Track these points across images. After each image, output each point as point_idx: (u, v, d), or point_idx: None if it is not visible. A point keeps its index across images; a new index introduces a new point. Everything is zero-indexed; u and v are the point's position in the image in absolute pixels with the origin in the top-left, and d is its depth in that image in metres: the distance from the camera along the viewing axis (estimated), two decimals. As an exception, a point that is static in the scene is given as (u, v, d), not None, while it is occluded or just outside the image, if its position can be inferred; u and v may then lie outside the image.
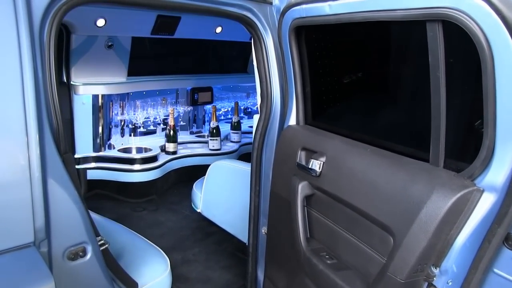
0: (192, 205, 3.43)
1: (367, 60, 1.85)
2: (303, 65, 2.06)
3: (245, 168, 2.98)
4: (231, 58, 5.42)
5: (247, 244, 3.06)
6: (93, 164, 3.96)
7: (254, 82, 5.49)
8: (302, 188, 1.92)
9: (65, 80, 3.74)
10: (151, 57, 4.49)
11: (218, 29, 4.56)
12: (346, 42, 1.95)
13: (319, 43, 2.03)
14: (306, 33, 2.01)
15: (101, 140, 4.01)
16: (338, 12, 1.68)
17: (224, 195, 3.15)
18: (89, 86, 3.77)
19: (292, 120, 2.16)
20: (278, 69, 2.25)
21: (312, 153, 1.91)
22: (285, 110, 2.20)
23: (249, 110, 5.69)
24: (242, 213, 3.02)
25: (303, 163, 1.95)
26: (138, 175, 3.97)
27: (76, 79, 3.75)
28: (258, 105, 2.37)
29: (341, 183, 1.73)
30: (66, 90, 3.73)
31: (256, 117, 2.39)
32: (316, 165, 1.84)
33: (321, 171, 1.83)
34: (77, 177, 1.80)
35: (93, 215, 3.28)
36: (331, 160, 1.80)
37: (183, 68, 4.72)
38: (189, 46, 4.75)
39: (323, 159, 1.83)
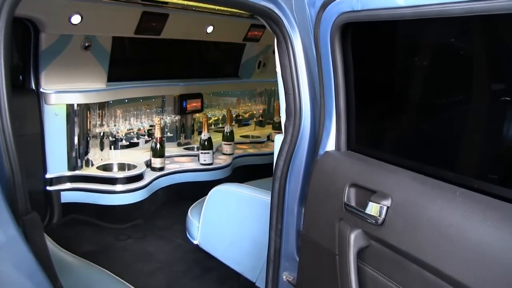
0: (187, 235, 2.91)
1: (453, 70, 1.38)
2: (348, 73, 1.59)
3: (254, 195, 2.49)
4: (222, 62, 4.92)
5: (255, 283, 2.59)
6: (68, 185, 3.40)
7: (247, 87, 5.03)
8: (355, 239, 1.44)
9: (33, 87, 3.17)
10: (134, 60, 3.96)
11: (209, 29, 4.07)
12: (421, 45, 1.48)
13: (378, 46, 1.57)
14: (357, 32, 1.54)
15: (77, 156, 3.46)
16: (418, 3, 1.21)
17: (227, 226, 2.66)
18: (62, 94, 3.22)
19: (330, 145, 1.69)
20: (308, 77, 1.77)
21: (367, 192, 1.44)
22: (319, 130, 1.73)
23: (241, 117, 5.20)
24: (251, 247, 2.54)
25: (354, 204, 1.48)
26: (121, 197, 3.43)
27: (47, 86, 3.19)
28: (282, 123, 1.88)
29: (418, 238, 1.26)
30: (34, 99, 3.16)
31: (279, 138, 1.91)
32: (377, 210, 1.37)
33: (384, 219, 1.36)
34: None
35: (67, 256, 2.74)
36: (401, 205, 1.33)
37: (169, 73, 4.20)
38: (176, 48, 4.24)
39: (388, 202, 1.35)
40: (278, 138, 1.91)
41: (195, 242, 2.82)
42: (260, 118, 5.45)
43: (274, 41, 1.82)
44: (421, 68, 1.46)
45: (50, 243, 2.24)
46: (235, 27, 4.30)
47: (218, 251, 2.72)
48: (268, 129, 5.31)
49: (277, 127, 5.10)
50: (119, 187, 3.41)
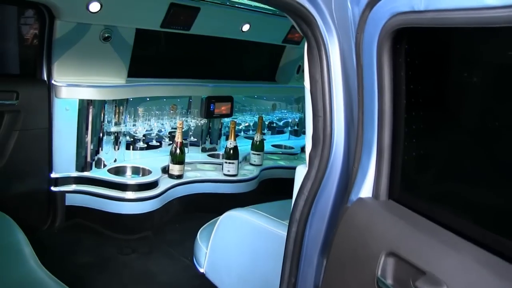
0: (194, 261, 2.54)
1: None
2: (398, 95, 1.16)
3: (271, 228, 2.09)
4: (258, 64, 4.53)
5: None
6: (74, 187, 3.11)
7: (284, 93, 4.62)
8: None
9: (45, 78, 2.89)
10: (160, 56, 3.64)
11: (245, 27, 3.69)
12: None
13: (444, 61, 1.13)
14: (416, 41, 1.11)
15: (87, 156, 3.16)
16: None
17: (238, 258, 2.27)
18: (75, 88, 2.92)
19: (366, 189, 1.26)
20: (344, 96, 1.35)
21: (412, 270, 1.01)
22: (353, 168, 1.30)
23: (274, 125, 4.80)
24: (263, 285, 2.14)
25: (392, 282, 1.05)
26: (130, 206, 3.11)
27: (60, 77, 2.91)
28: (307, 153, 1.47)
29: None
30: (44, 91, 2.88)
31: (301, 171, 1.50)
32: (425, 301, 0.94)
33: (435, 315, 0.93)
34: None
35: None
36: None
37: (198, 72, 3.85)
38: (207, 46, 3.88)
39: (442, 292, 0.92)
40: (300, 171, 1.50)
41: (201, 270, 2.45)
42: (296, 127, 5.02)
43: (304, 47, 1.41)
44: (509, 97, 1.01)
45: (37, 267, 1.94)
46: (274, 27, 3.90)
47: (225, 284, 2.33)
48: (302, 140, 4.88)
49: (312, 139, 4.66)
50: (129, 195, 3.09)
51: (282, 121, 4.79)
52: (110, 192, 3.08)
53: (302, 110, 5.00)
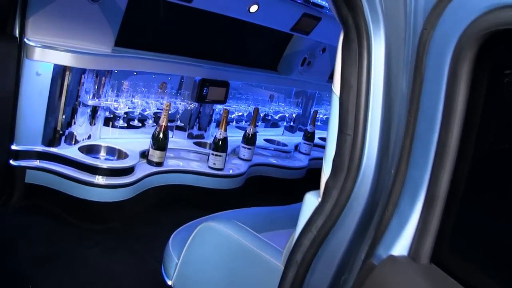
0: (162, 270, 2.19)
1: None
2: (473, 125, 0.82)
3: (258, 251, 1.74)
4: (260, 50, 4.15)
5: None
6: (37, 163, 2.72)
7: (285, 84, 4.26)
8: None
9: (16, 35, 2.49)
10: (154, 27, 3.24)
11: (253, 8, 3.30)
12: None
13: None
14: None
15: (56, 128, 2.78)
16: None
17: (213, 275, 1.92)
18: (51, 50, 2.52)
19: (401, 245, 0.92)
20: (383, 112, 1.00)
21: None
22: (387, 211, 0.96)
23: (269, 117, 4.45)
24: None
25: None
26: (99, 192, 2.74)
27: (34, 36, 2.50)
28: (323, 180, 1.12)
29: None
30: (13, 50, 2.47)
31: (311, 201, 1.15)
32: None
33: None
34: None
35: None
36: None
37: (194, 50, 3.46)
38: (208, 23, 3.49)
39: None
40: (310, 201, 1.15)
41: (169, 282, 2.10)
42: (292, 123, 4.68)
43: (339, 40, 1.05)
44: None
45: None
46: (284, 12, 3.52)
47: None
48: (297, 138, 4.54)
49: (308, 138, 4.33)
50: (99, 179, 2.72)
51: (278, 115, 4.44)
52: (78, 173, 2.71)
53: (301, 105, 4.66)
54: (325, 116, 5.07)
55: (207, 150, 3.47)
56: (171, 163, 3.24)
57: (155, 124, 3.23)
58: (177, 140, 3.52)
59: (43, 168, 2.71)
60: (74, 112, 2.83)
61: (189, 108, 3.42)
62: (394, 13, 0.97)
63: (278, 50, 4.19)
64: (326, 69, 4.57)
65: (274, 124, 4.61)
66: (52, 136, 2.77)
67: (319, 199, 1.10)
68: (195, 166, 3.34)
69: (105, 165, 2.75)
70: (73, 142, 2.89)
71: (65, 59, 2.56)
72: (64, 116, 2.79)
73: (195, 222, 2.26)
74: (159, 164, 3.10)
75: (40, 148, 2.72)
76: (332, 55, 4.50)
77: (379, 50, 0.97)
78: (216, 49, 3.73)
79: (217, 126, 3.78)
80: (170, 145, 3.17)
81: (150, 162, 3.09)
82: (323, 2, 3.44)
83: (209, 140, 3.68)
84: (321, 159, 3.89)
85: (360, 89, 0.97)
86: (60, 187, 2.72)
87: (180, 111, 3.39)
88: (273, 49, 4.20)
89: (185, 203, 3.24)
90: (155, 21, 3.22)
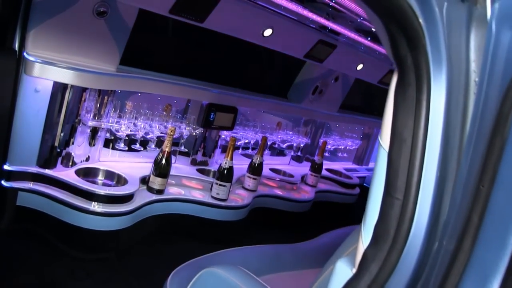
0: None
1: None
2: None
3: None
4: (270, 76, 4.00)
5: None
6: (30, 185, 2.54)
7: (295, 113, 4.09)
8: None
9: (16, 48, 2.33)
10: (161, 47, 3.10)
11: (267, 32, 3.16)
12: None
13: None
14: None
15: (53, 150, 2.60)
16: None
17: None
18: (52, 67, 2.36)
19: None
20: (438, 172, 0.83)
21: None
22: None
23: (276, 146, 4.27)
24: None
25: None
26: (95, 220, 2.55)
27: (35, 50, 2.35)
28: (360, 248, 0.93)
29: None
30: (12, 64, 2.31)
31: (343, 272, 0.96)
32: None
33: None
34: None
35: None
36: None
37: (202, 73, 3.31)
38: (218, 45, 3.36)
39: None
40: (342, 270, 0.96)
41: (164, 328, 1.90)
42: (299, 153, 4.50)
43: (392, 82, 0.87)
44: None
45: None
46: (298, 38, 3.38)
47: None
48: (304, 168, 4.36)
49: (316, 169, 4.15)
50: (95, 207, 2.53)
51: (286, 144, 4.27)
52: (73, 199, 2.52)
53: (310, 134, 4.50)
54: (333, 147, 4.91)
55: (210, 179, 3.29)
56: (172, 191, 3.06)
57: (157, 148, 3.05)
58: (179, 166, 3.34)
59: (36, 191, 2.52)
60: (73, 131, 2.67)
61: (194, 133, 3.25)
62: (458, 52, 0.80)
63: (289, 77, 4.04)
64: (337, 98, 4.43)
65: (280, 153, 4.44)
66: (48, 156, 2.59)
67: (354, 270, 0.91)
68: (198, 195, 3.15)
69: (102, 191, 2.56)
70: (70, 164, 2.72)
71: (66, 77, 2.40)
72: (62, 135, 2.62)
73: (196, 261, 2.08)
74: (160, 192, 2.92)
75: (34, 169, 2.54)
76: (345, 84, 4.35)
77: (439, 97, 0.80)
78: (225, 73, 3.58)
79: (222, 152, 3.61)
80: (172, 171, 2.99)
81: (150, 190, 2.91)
82: (340, 29, 3.31)
83: (213, 168, 3.50)
84: (327, 192, 3.71)
85: (415, 145, 0.80)
86: (54, 212, 2.53)
87: (185, 136, 3.22)
88: (284, 75, 4.06)
89: (186, 234, 3.05)
90: (163, 40, 3.09)
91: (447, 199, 0.85)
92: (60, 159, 2.65)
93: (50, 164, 2.60)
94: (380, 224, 0.85)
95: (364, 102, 5.21)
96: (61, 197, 2.51)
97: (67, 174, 2.61)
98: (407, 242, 0.82)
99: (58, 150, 2.61)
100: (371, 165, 5.81)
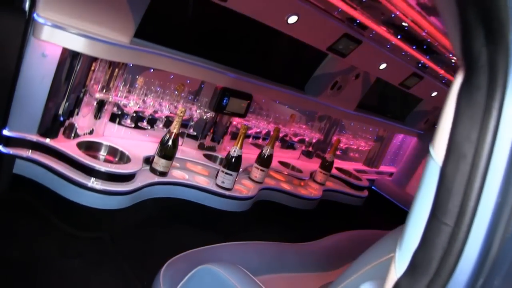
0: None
1: None
2: None
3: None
4: (289, 66, 3.84)
5: None
6: (28, 153, 2.42)
7: (311, 107, 3.93)
8: None
9: (26, 9, 2.19)
10: (180, 23, 2.94)
11: (292, 19, 3.00)
12: None
13: None
14: None
15: (56, 118, 2.48)
16: None
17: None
18: (62, 31, 2.22)
19: None
20: (499, 194, 0.68)
21: None
22: None
23: (287, 139, 4.13)
24: None
25: None
26: (92, 197, 2.43)
27: (45, 13, 2.20)
28: (394, 273, 0.79)
29: None
30: (20, 25, 2.18)
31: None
32: None
33: None
34: None
35: None
36: None
37: (220, 55, 3.15)
38: (238, 28, 3.20)
39: None
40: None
41: (153, 323, 1.78)
42: (310, 148, 4.36)
43: (455, 84, 0.72)
44: None
45: None
46: (324, 29, 3.22)
47: None
48: (314, 164, 4.22)
49: (326, 167, 4.00)
50: (94, 183, 2.41)
51: (298, 137, 4.12)
52: (71, 172, 2.40)
53: (324, 130, 4.34)
54: (346, 146, 4.75)
55: (217, 166, 3.16)
56: (176, 174, 2.94)
57: (165, 128, 2.92)
58: (186, 149, 3.21)
59: (34, 160, 2.40)
60: (78, 101, 2.54)
61: (204, 117, 3.11)
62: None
63: (309, 69, 3.88)
64: (356, 96, 4.26)
65: (290, 146, 4.30)
66: (50, 125, 2.47)
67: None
68: (202, 181, 3.02)
69: (103, 167, 2.43)
70: (73, 136, 2.60)
71: (77, 44, 2.26)
72: (67, 104, 2.49)
73: (192, 253, 1.96)
74: (163, 174, 2.79)
75: (34, 137, 2.42)
76: (366, 83, 4.18)
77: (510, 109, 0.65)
78: (242, 57, 3.42)
79: (232, 139, 3.48)
80: (177, 154, 2.87)
81: (153, 171, 2.78)
82: (369, 23, 3.14)
83: (221, 154, 3.36)
84: (335, 191, 3.55)
85: (477, 162, 0.65)
86: (50, 185, 2.42)
87: (195, 119, 3.08)
88: (304, 66, 3.90)
89: (185, 220, 2.92)
90: (182, 16, 2.93)
91: (501, 230, 0.70)
92: (62, 129, 2.53)
93: (52, 134, 2.48)
94: (421, 252, 0.71)
95: (379, 103, 5.04)
96: (59, 169, 2.39)
97: (68, 146, 2.49)
98: (451, 278, 0.68)
99: (61, 119, 2.49)
100: (381, 168, 5.66)
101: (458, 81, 0.70)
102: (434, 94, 4.89)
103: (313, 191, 3.84)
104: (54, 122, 2.47)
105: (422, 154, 5.60)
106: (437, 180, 0.70)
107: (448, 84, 4.67)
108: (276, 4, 2.86)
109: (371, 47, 3.50)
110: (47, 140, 2.45)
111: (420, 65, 4.11)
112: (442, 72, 4.27)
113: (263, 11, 2.88)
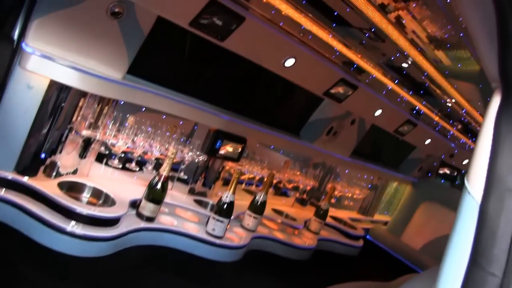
0: None
1: None
2: None
3: None
4: (285, 110, 3.73)
5: None
6: (2, 192, 2.21)
7: (306, 152, 3.79)
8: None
9: (14, 37, 2.07)
10: (175, 62, 2.84)
11: (289, 62, 2.93)
12: None
13: None
14: None
15: (36, 157, 2.30)
16: None
17: None
18: (50, 62, 2.09)
19: None
20: None
21: None
22: None
23: (281, 185, 3.97)
24: None
25: None
26: (71, 242, 2.21)
27: (35, 42, 2.08)
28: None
29: None
30: (7, 53, 2.04)
31: None
32: None
33: None
34: None
35: None
36: None
37: (213, 97, 3.03)
38: (234, 70, 3.11)
39: None
40: None
41: None
42: (304, 196, 4.20)
43: (491, 110, 0.58)
44: None
45: None
46: (320, 73, 3.15)
47: None
48: (308, 212, 4.04)
49: (320, 215, 3.83)
50: (74, 227, 2.20)
51: (292, 184, 3.97)
52: (49, 215, 2.19)
53: (318, 177, 4.21)
54: (340, 194, 4.60)
55: (207, 212, 2.97)
56: (164, 220, 2.73)
57: (154, 171, 2.75)
58: (175, 193, 3.03)
59: (8, 200, 2.19)
60: (63, 138, 2.37)
61: (196, 160, 2.95)
62: None
63: (305, 114, 3.78)
64: (351, 143, 4.16)
65: (284, 193, 4.13)
66: (30, 162, 2.28)
67: None
68: (191, 228, 2.82)
69: (85, 210, 2.23)
70: (54, 175, 2.41)
71: (67, 76, 2.13)
72: (50, 141, 2.32)
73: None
74: (150, 219, 2.59)
75: (11, 175, 2.22)
76: (361, 129, 4.10)
77: None
78: (237, 99, 3.31)
79: (224, 185, 3.31)
80: (166, 199, 2.68)
81: (139, 215, 2.58)
82: (367, 66, 3.09)
83: (212, 200, 3.18)
84: (330, 241, 3.35)
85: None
86: (23, 228, 2.19)
87: (186, 162, 2.91)
88: (299, 111, 3.80)
89: (172, 270, 2.68)
90: (177, 55, 2.83)
91: None
92: (43, 167, 2.34)
93: (30, 172, 2.29)
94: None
95: (372, 150, 4.94)
96: (34, 210, 2.18)
97: (48, 185, 2.29)
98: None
99: (43, 157, 2.31)
100: (376, 217, 5.50)
101: (495, 104, 0.57)
102: (427, 141, 4.83)
103: (307, 240, 3.64)
104: (34, 159, 2.29)
105: (416, 202, 5.47)
106: (476, 220, 0.55)
107: (442, 132, 4.63)
108: (273, 46, 2.80)
109: (367, 93, 3.45)
110: (25, 179, 2.25)
111: (414, 112, 4.07)
112: (436, 118, 4.24)
113: (260, 52, 2.82)
